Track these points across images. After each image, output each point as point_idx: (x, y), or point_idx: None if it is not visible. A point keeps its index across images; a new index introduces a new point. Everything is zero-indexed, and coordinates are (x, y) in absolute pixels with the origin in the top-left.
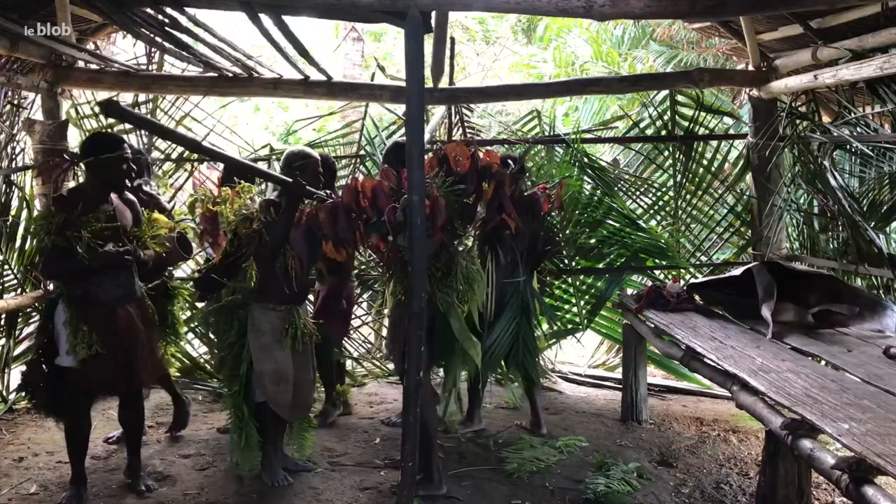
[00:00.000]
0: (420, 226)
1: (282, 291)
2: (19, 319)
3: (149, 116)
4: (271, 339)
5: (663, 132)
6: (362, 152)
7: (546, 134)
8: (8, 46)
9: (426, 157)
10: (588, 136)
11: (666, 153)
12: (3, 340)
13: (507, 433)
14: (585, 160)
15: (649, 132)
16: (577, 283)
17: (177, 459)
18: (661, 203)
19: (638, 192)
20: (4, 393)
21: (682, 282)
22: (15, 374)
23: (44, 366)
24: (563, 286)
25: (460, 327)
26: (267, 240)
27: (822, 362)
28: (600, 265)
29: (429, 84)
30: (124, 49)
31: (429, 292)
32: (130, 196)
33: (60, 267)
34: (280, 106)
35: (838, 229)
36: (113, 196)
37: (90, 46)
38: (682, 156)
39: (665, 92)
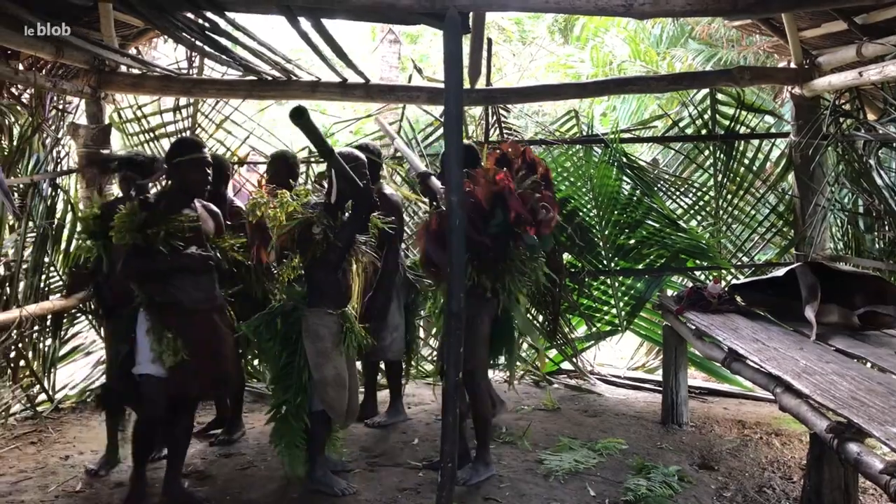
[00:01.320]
0: (460, 227)
1: (338, 295)
2: (64, 320)
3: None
4: (330, 345)
5: (703, 131)
6: (399, 154)
7: (584, 134)
8: (53, 52)
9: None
10: (627, 135)
11: (706, 152)
12: (49, 341)
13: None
14: (624, 160)
15: (689, 131)
16: (616, 284)
17: (218, 459)
18: (701, 203)
19: (678, 192)
20: (51, 392)
21: (724, 283)
22: (60, 374)
23: (127, 375)
24: (602, 287)
25: (523, 320)
26: (338, 244)
27: (869, 364)
28: (640, 266)
29: (466, 85)
30: (165, 54)
31: (498, 288)
32: (214, 207)
33: (140, 265)
34: (318, 108)
35: (884, 229)
36: (197, 204)
37: (132, 51)
38: (722, 155)
39: (705, 91)
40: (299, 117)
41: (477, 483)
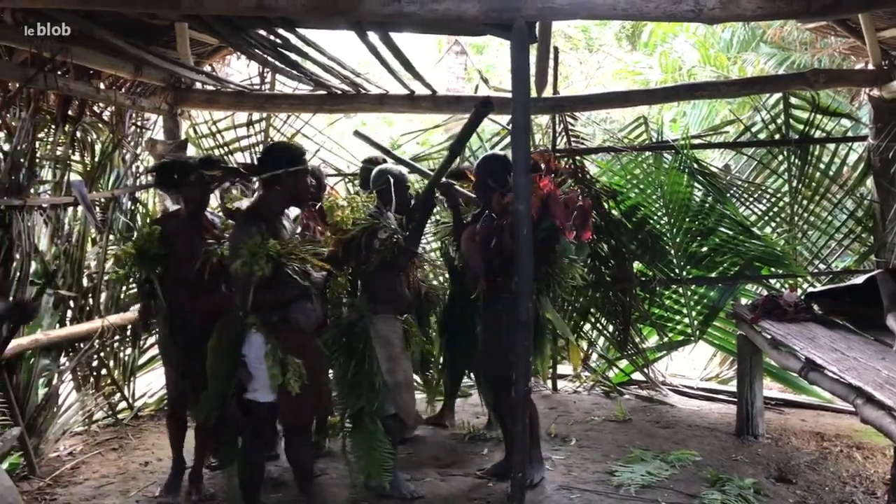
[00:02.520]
0: (527, 235)
1: (400, 301)
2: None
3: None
4: (399, 350)
5: (777, 136)
6: (465, 164)
7: (653, 141)
8: (132, 71)
9: None
10: (697, 141)
11: (780, 157)
12: (130, 350)
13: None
14: (695, 166)
15: (762, 136)
16: (689, 292)
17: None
18: (775, 209)
19: (751, 199)
20: (130, 400)
21: (800, 291)
22: (140, 383)
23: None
24: (674, 296)
25: (555, 317)
26: (411, 249)
27: None
28: (712, 274)
29: (533, 94)
30: (238, 70)
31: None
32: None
33: (271, 297)
34: (385, 121)
35: None
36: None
37: (207, 69)
38: (797, 160)
39: (778, 95)
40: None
41: (538, 482)
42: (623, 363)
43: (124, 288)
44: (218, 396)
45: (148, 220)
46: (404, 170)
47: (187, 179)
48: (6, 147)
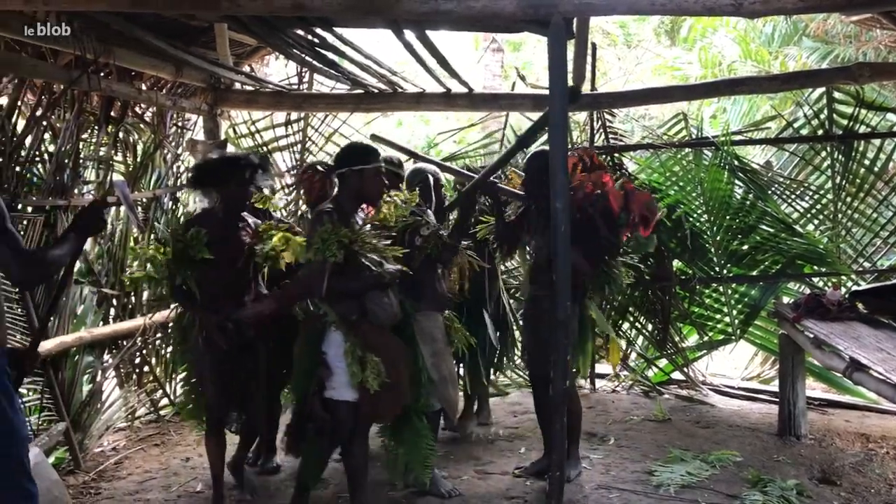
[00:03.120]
0: (565, 232)
1: (442, 297)
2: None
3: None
4: (443, 345)
5: (820, 132)
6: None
7: (693, 137)
8: (173, 72)
9: None
10: (738, 137)
11: (823, 154)
12: (171, 348)
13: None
14: (736, 163)
15: (804, 132)
16: (729, 291)
17: (330, 463)
18: (818, 206)
19: (793, 196)
20: (172, 397)
21: (844, 289)
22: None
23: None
24: (714, 295)
25: (602, 320)
26: (454, 244)
27: None
28: (754, 272)
29: None
30: (277, 70)
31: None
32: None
33: (344, 285)
34: (422, 119)
35: None
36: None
37: (246, 69)
38: (841, 156)
39: (821, 90)
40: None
41: (573, 478)
42: (662, 362)
43: (154, 290)
44: (298, 395)
45: (181, 221)
46: (437, 168)
47: (232, 178)
48: (51, 148)
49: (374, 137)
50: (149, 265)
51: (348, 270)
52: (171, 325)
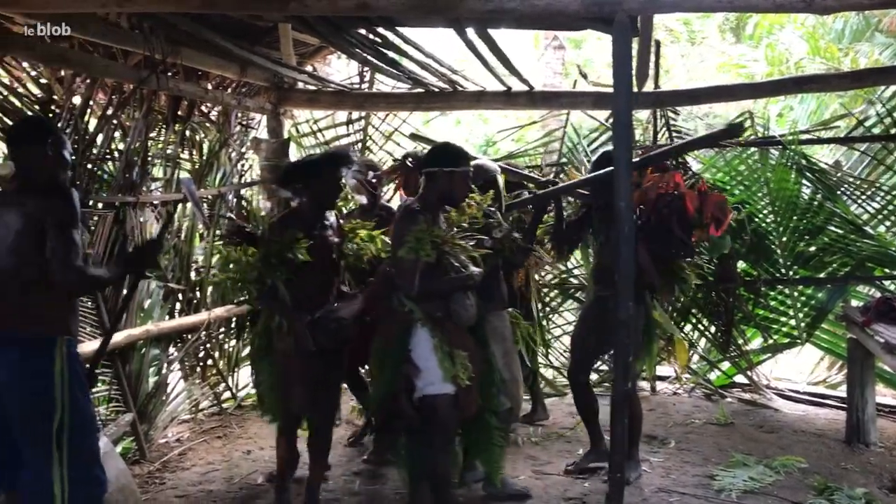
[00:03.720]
0: (629, 233)
1: (506, 296)
2: (247, 323)
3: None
4: (511, 344)
5: (892, 131)
6: (563, 160)
7: (759, 136)
8: (238, 72)
9: None
10: (806, 136)
11: None
12: (234, 342)
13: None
14: (803, 162)
15: (876, 131)
16: (795, 293)
17: (388, 458)
18: (890, 207)
19: (863, 196)
20: (234, 390)
21: None
22: (243, 374)
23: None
24: (780, 297)
25: (667, 321)
26: (528, 247)
27: None
28: (821, 275)
29: (634, 88)
30: (338, 70)
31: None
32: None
33: (433, 286)
34: (480, 118)
35: None
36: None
37: (308, 69)
38: None
39: (894, 87)
40: None
41: (635, 482)
42: (725, 365)
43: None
44: (386, 394)
45: (271, 222)
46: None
47: (325, 175)
48: (121, 146)
49: (413, 137)
50: (231, 266)
51: (435, 270)
52: (241, 325)
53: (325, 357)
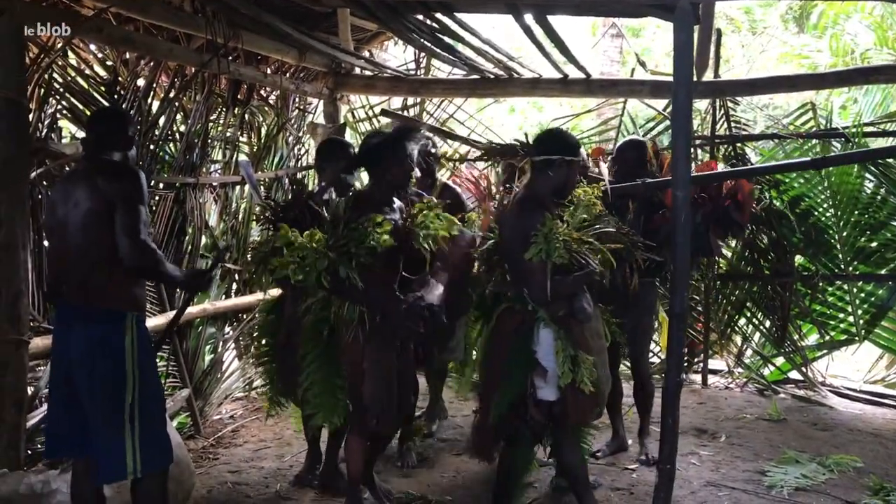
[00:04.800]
0: (685, 223)
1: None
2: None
3: None
4: (603, 342)
5: None
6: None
7: (821, 128)
8: (297, 57)
9: None
10: (871, 129)
11: None
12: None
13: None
14: None
15: None
16: (855, 289)
17: (435, 442)
18: None
19: None
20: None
21: None
22: None
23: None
24: (838, 293)
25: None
26: (639, 243)
27: None
28: (882, 271)
29: (693, 78)
30: (395, 56)
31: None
32: None
33: (563, 287)
34: (535, 106)
35: None
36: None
37: (365, 54)
38: None
39: None
40: None
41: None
42: (779, 360)
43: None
44: (514, 397)
45: (343, 206)
46: None
47: (398, 157)
48: (182, 128)
49: (384, 113)
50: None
51: (560, 269)
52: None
53: (403, 348)
